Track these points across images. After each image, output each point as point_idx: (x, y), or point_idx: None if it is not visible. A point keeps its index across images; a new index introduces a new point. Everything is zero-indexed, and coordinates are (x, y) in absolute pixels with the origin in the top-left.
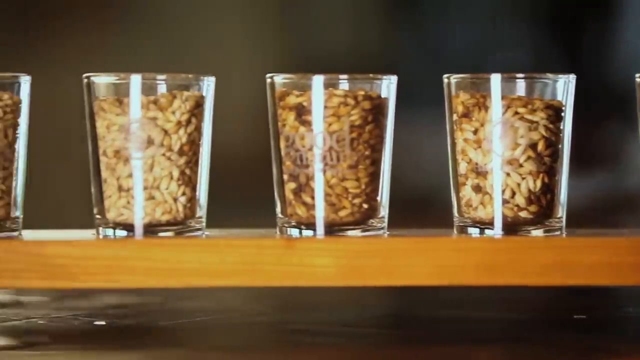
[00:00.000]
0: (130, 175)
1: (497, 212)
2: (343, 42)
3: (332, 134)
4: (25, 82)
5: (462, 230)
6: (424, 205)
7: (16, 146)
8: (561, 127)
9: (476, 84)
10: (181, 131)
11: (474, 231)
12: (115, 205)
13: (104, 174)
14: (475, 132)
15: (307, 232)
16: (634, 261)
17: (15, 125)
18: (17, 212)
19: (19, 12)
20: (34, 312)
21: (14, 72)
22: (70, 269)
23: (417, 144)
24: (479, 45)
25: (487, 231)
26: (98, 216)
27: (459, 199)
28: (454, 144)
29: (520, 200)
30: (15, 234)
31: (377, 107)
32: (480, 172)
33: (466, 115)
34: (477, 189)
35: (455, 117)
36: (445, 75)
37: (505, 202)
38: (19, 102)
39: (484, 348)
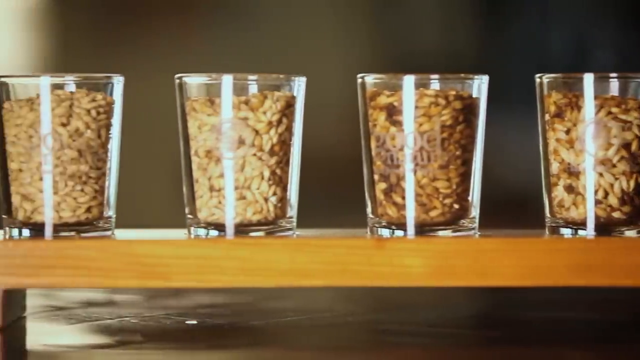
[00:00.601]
0: (221, 175)
1: (589, 212)
2: (434, 42)
3: (423, 134)
4: (118, 83)
5: (554, 230)
6: (515, 205)
7: (109, 146)
8: None
9: (568, 83)
10: (272, 131)
11: (566, 232)
12: (206, 205)
13: (196, 174)
14: (568, 132)
15: (398, 232)
16: None
17: (108, 126)
18: (110, 212)
19: (112, 14)
20: (127, 311)
21: (107, 72)
22: (163, 268)
23: (509, 144)
24: (572, 45)
25: (579, 232)
26: (190, 216)
27: (551, 200)
28: (546, 144)
29: (613, 200)
30: (109, 233)
31: (468, 107)
32: (572, 172)
33: (558, 115)
34: (570, 189)
35: (547, 117)
36: (538, 75)
37: (598, 202)
38: (112, 102)
39: (575, 350)
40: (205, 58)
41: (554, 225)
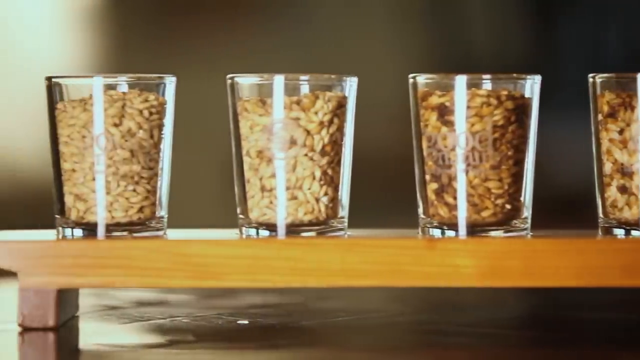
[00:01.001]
0: (273, 176)
1: None
2: (485, 42)
3: (475, 134)
4: (170, 83)
5: (607, 231)
6: (567, 206)
7: (161, 146)
8: None
9: (622, 83)
10: (323, 131)
11: (619, 232)
12: (258, 205)
13: (247, 174)
14: (621, 132)
15: (449, 233)
16: None
17: (160, 126)
18: (162, 212)
19: (165, 15)
20: (179, 311)
21: (159, 73)
22: (214, 268)
23: (561, 144)
24: (625, 45)
25: (632, 232)
26: (241, 216)
27: (604, 200)
28: (599, 144)
29: None
30: (160, 233)
31: (521, 107)
32: (626, 173)
33: (612, 115)
34: (623, 189)
35: (600, 117)
36: (591, 75)
37: None
38: (165, 102)
39: (627, 351)
40: (257, 58)
41: (606, 225)
